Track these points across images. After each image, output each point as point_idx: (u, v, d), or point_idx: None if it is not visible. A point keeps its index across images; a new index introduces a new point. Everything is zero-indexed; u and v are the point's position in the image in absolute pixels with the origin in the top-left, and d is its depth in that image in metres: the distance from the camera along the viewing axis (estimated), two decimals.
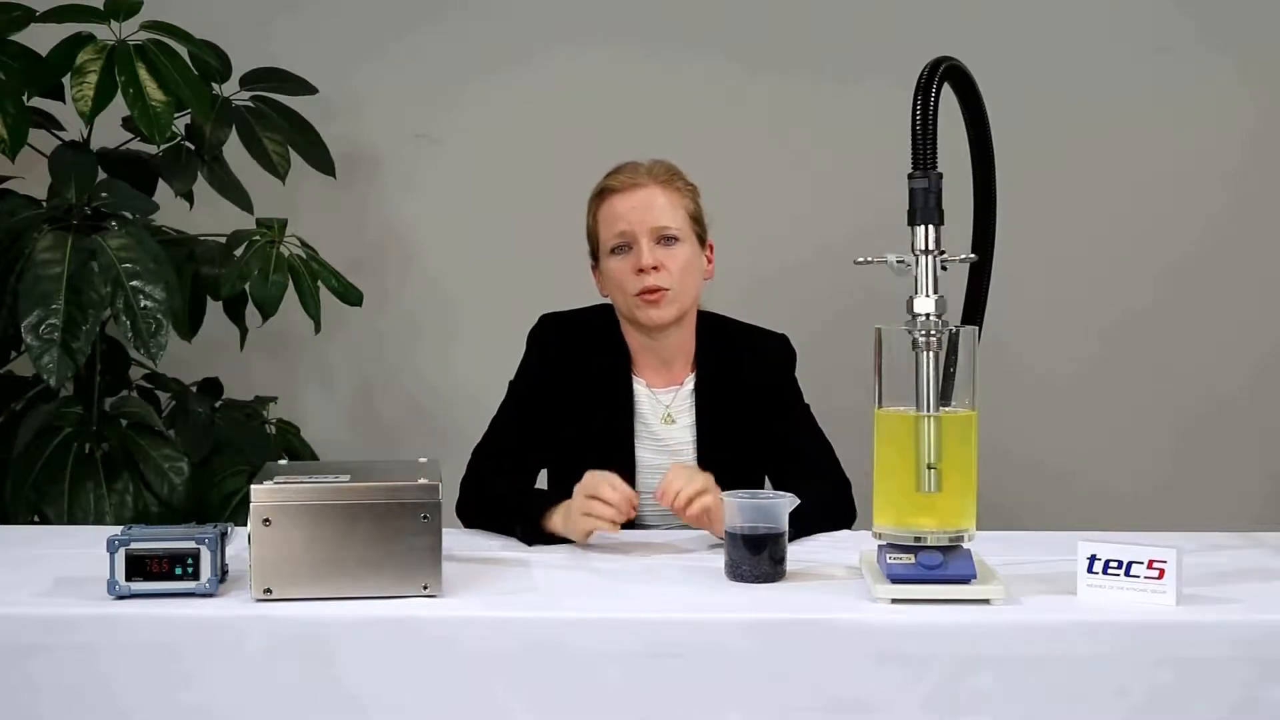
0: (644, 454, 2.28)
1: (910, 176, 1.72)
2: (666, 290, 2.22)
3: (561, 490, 2.26)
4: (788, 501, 1.82)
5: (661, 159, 2.32)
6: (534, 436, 2.31)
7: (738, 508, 1.81)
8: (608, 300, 2.34)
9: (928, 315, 1.70)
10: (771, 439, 2.30)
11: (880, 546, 1.73)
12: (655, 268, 2.21)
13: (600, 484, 1.98)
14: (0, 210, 2.85)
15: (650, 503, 2.25)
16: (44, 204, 2.93)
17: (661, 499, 1.99)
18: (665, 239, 2.24)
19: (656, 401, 2.30)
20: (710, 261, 2.33)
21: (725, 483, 1.98)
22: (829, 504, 2.20)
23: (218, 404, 3.15)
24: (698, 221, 2.29)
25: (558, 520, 2.04)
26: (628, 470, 2.25)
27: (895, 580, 1.67)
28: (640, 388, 2.30)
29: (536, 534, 2.06)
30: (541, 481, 2.38)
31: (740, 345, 2.34)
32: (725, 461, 2.22)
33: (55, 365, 2.59)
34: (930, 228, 1.72)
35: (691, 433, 2.29)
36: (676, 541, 2.09)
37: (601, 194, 2.29)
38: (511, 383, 2.35)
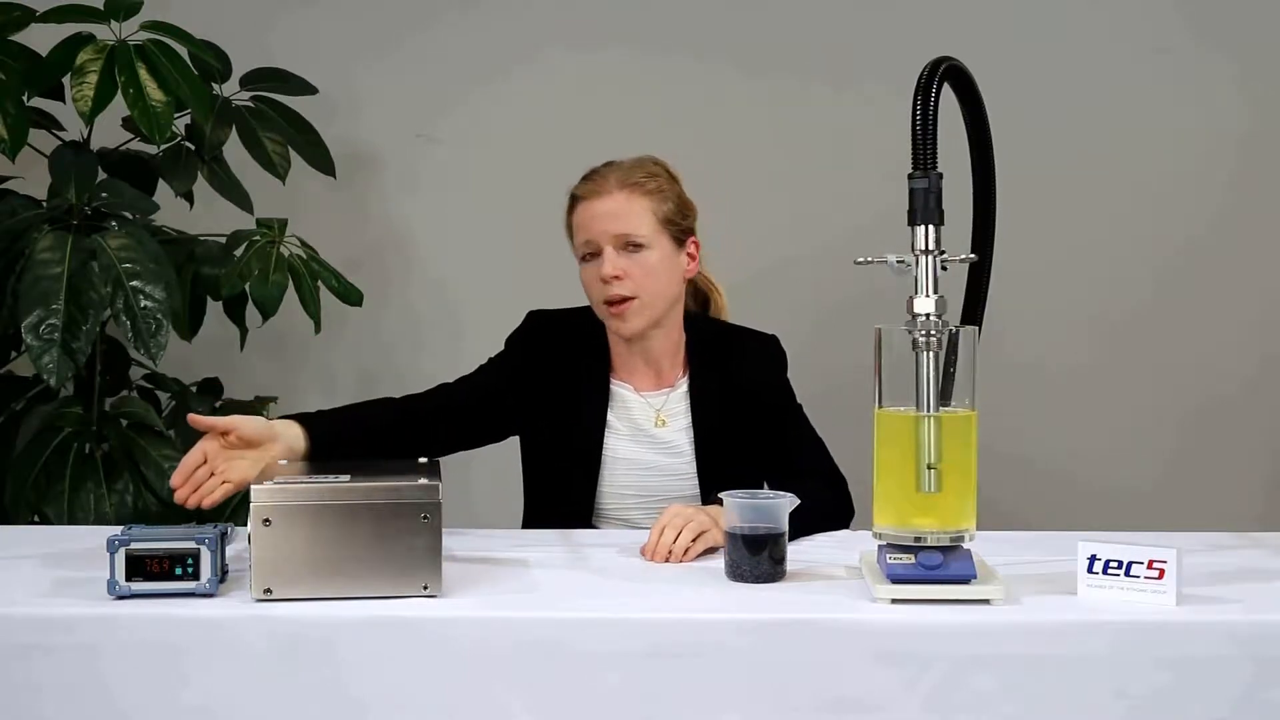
0: (643, 453, 2.26)
1: (910, 176, 1.72)
2: (632, 299, 2.18)
3: (534, 485, 2.31)
4: (788, 501, 1.82)
5: (643, 156, 2.26)
6: (457, 411, 2.26)
7: (737, 508, 1.80)
8: None
9: (928, 315, 1.70)
10: (766, 439, 2.28)
11: (880, 546, 1.73)
12: (617, 277, 2.18)
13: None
14: (0, 210, 2.85)
15: (634, 504, 2.25)
16: (44, 204, 2.93)
17: (653, 556, 1.92)
18: (630, 245, 2.19)
19: (647, 405, 2.28)
20: (694, 259, 2.28)
21: (723, 483, 1.96)
22: (827, 503, 2.19)
23: (218, 404, 3.14)
24: (671, 222, 2.22)
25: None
26: (593, 470, 2.24)
27: (895, 580, 1.67)
28: (628, 392, 2.28)
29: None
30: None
31: (732, 347, 2.32)
32: (723, 461, 2.23)
33: (55, 365, 2.59)
34: (930, 228, 1.72)
35: (688, 434, 2.27)
36: None
37: (572, 201, 2.27)
38: (482, 365, 2.33)
